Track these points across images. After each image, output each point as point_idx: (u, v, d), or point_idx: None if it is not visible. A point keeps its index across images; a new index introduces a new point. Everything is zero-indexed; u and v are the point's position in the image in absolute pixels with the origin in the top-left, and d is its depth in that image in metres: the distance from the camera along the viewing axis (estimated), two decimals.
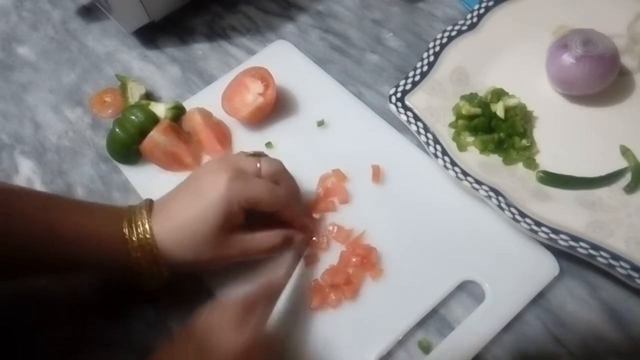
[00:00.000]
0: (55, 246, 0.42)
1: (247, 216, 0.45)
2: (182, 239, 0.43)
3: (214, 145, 0.55)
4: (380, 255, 0.48)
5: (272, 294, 0.43)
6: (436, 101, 0.54)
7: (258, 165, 0.46)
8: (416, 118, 0.53)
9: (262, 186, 0.45)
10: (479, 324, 0.44)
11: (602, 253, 0.44)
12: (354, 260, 0.47)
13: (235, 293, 0.41)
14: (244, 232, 0.45)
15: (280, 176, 0.47)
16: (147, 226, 0.43)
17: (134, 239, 0.42)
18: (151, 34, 0.67)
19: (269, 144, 0.55)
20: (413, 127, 0.52)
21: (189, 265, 0.45)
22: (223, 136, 0.56)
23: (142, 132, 0.54)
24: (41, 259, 0.42)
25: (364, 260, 0.47)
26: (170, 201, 0.45)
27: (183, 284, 0.49)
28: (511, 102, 0.53)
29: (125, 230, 0.43)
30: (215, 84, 0.61)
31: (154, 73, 0.64)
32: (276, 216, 0.47)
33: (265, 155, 0.49)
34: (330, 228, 0.49)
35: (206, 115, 0.57)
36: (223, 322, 0.38)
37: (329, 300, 0.46)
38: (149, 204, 0.45)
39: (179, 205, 0.44)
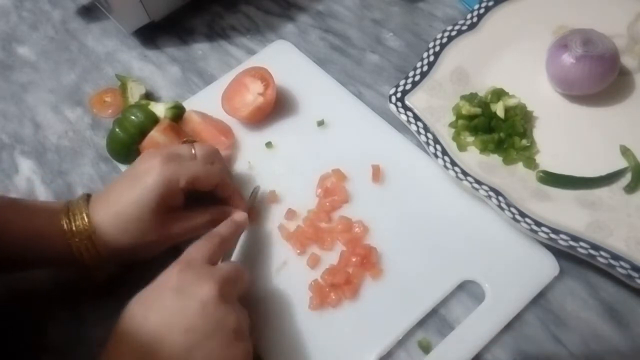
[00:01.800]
0: (1, 248, 0.43)
1: (187, 200, 0.47)
2: (121, 224, 0.44)
3: (217, 138, 0.55)
4: (380, 255, 0.48)
5: (239, 229, 0.46)
6: (436, 101, 0.54)
7: (192, 150, 0.47)
8: (416, 118, 0.53)
9: (196, 165, 0.46)
10: (479, 324, 0.44)
11: (602, 253, 0.44)
12: (354, 260, 0.47)
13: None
14: (181, 213, 0.47)
15: (215, 157, 0.49)
16: (84, 215, 0.44)
17: (73, 229, 0.43)
18: (151, 34, 0.67)
19: (269, 144, 0.55)
20: (413, 127, 0.52)
21: (131, 250, 0.45)
22: (225, 129, 0.56)
23: (142, 132, 0.54)
24: None
25: (364, 260, 0.47)
26: (107, 190, 0.47)
27: None
28: (511, 102, 0.53)
29: (64, 223, 0.44)
30: (215, 84, 0.61)
31: (154, 73, 0.64)
32: (213, 198, 0.48)
33: (196, 142, 0.51)
34: (334, 227, 0.49)
35: (203, 115, 0.57)
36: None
37: (329, 300, 0.46)
38: (86, 197, 0.46)
39: (116, 192, 0.45)
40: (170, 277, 0.39)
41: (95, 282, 0.46)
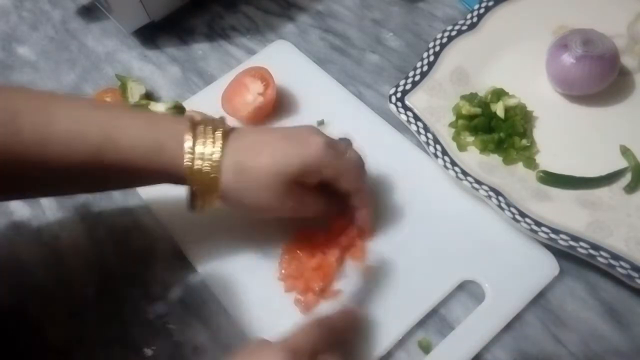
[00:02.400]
0: (107, 160, 0.39)
1: None
2: (251, 182, 0.41)
3: None
4: (380, 255, 0.48)
5: (354, 324, 0.42)
6: (436, 101, 0.54)
7: (347, 149, 0.45)
8: (416, 118, 0.53)
9: (351, 164, 0.44)
10: (479, 324, 0.44)
11: (602, 253, 0.44)
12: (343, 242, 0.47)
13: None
14: (307, 192, 0.43)
15: (361, 166, 0.46)
16: (217, 154, 0.40)
17: (197, 162, 0.40)
18: (151, 34, 0.67)
19: None
20: (413, 127, 0.52)
21: (243, 207, 0.43)
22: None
23: None
24: (86, 174, 0.40)
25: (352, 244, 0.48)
26: (253, 134, 0.43)
27: (184, 284, 0.49)
28: (511, 102, 0.53)
29: (191, 149, 0.40)
30: (215, 84, 0.61)
31: (154, 73, 0.64)
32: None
33: (352, 144, 0.48)
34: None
35: (203, 114, 0.56)
36: None
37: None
38: (225, 125, 0.42)
39: (266, 142, 0.42)
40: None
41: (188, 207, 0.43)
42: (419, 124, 0.52)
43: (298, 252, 0.48)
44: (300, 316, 0.46)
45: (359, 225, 0.47)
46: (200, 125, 0.41)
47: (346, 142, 0.49)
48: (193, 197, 0.42)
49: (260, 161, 0.41)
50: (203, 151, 0.40)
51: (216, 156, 0.40)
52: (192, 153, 0.40)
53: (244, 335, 0.45)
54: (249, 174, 0.41)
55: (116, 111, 0.42)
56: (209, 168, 0.40)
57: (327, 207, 0.46)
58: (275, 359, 0.34)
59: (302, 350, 0.36)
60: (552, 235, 0.45)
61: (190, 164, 0.40)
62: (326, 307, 0.46)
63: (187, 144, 0.40)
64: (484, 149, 0.52)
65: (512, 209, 0.46)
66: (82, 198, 0.55)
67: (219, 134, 0.41)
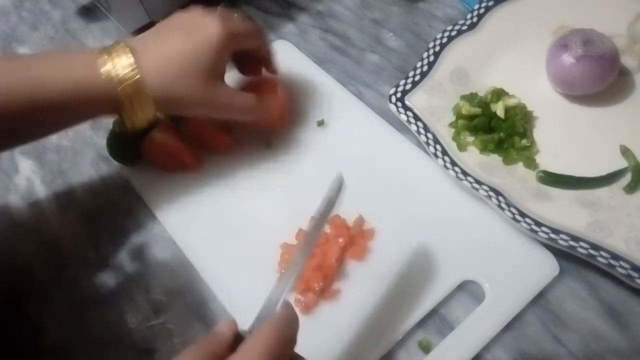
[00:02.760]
0: (40, 106, 0.41)
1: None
2: (173, 72, 0.43)
3: (217, 137, 0.55)
4: (380, 255, 0.48)
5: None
6: (436, 101, 0.54)
7: (235, 14, 0.48)
8: (416, 118, 0.53)
9: (246, 24, 0.48)
10: (479, 324, 0.44)
11: (602, 253, 0.44)
12: (340, 240, 0.47)
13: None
14: (229, 87, 0.47)
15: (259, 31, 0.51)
16: (130, 59, 0.42)
17: (118, 75, 0.42)
18: None
19: (268, 145, 0.55)
20: (413, 127, 0.52)
21: (176, 103, 0.44)
22: (224, 124, 0.56)
23: (142, 132, 0.54)
24: (25, 122, 0.42)
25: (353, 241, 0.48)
26: (153, 38, 0.46)
27: (184, 284, 0.49)
28: (511, 102, 0.53)
29: (106, 68, 0.42)
30: None
31: None
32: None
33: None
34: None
35: None
36: None
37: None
38: (126, 42, 0.44)
39: (168, 40, 0.44)
40: None
41: (129, 129, 0.45)
42: (419, 124, 0.52)
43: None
44: (301, 316, 0.45)
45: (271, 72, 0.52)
46: (104, 48, 0.44)
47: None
48: (125, 112, 0.43)
49: (174, 49, 0.43)
50: (118, 64, 0.42)
51: (131, 61, 0.42)
52: (110, 70, 0.42)
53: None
54: (170, 64, 0.43)
55: (33, 60, 0.44)
56: (130, 73, 0.42)
57: (255, 101, 0.49)
58: None
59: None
60: (552, 235, 0.45)
61: (111, 76, 0.42)
62: (326, 307, 0.46)
63: (105, 67, 0.42)
64: (484, 149, 0.52)
65: (512, 209, 0.46)
66: (82, 198, 0.55)
67: (123, 45, 0.43)
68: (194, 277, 0.49)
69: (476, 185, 0.48)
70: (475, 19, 0.58)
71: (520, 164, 0.51)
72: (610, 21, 0.55)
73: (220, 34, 0.44)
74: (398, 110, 0.53)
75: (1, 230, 0.54)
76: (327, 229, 0.49)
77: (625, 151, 0.50)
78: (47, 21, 0.72)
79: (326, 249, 0.47)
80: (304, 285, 0.46)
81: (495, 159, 0.52)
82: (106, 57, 0.43)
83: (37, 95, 0.41)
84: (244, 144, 0.56)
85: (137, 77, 0.42)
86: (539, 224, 0.45)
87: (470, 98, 0.53)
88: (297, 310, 0.45)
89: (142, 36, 0.46)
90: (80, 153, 0.59)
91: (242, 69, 0.53)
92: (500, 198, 0.47)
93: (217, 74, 0.45)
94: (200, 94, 0.44)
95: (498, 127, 0.52)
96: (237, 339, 0.34)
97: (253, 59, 0.52)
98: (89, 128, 0.61)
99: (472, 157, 0.51)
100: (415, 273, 0.47)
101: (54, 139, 0.60)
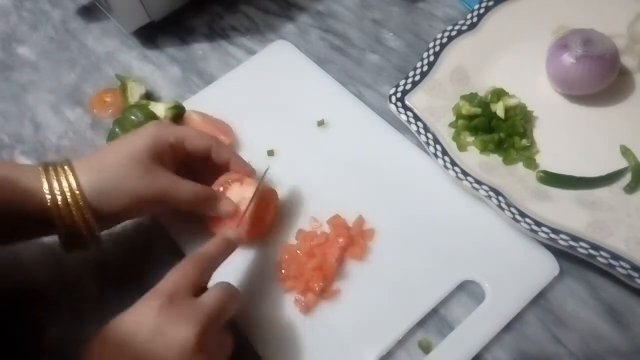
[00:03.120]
0: None
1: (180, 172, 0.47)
2: (111, 177, 0.43)
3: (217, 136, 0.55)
4: (380, 255, 0.48)
5: (230, 248, 0.43)
6: (436, 101, 0.54)
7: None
8: (416, 118, 0.53)
9: (190, 129, 0.49)
10: (479, 324, 0.44)
11: (602, 253, 0.44)
12: (340, 240, 0.47)
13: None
14: (173, 175, 0.46)
15: (211, 140, 0.49)
16: (69, 172, 0.42)
17: (56, 188, 0.41)
18: (151, 34, 0.67)
19: (270, 151, 0.55)
20: (413, 127, 0.52)
21: (120, 208, 0.43)
22: (225, 129, 0.56)
23: None
24: None
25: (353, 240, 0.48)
26: (92, 155, 0.45)
27: None
28: (511, 102, 0.53)
29: (45, 182, 0.41)
30: (215, 84, 0.61)
31: (154, 73, 0.64)
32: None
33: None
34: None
35: (203, 114, 0.57)
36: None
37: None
38: (66, 159, 0.44)
39: (104, 152, 0.45)
40: (149, 314, 0.36)
41: (68, 249, 0.44)
42: (419, 124, 0.52)
43: (298, 252, 0.48)
44: (301, 316, 0.46)
45: (238, 171, 0.49)
46: (48, 165, 0.43)
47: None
48: (65, 229, 0.42)
49: (109, 160, 0.44)
50: (59, 180, 0.42)
51: (71, 179, 0.42)
52: (50, 185, 0.42)
53: (244, 336, 0.45)
54: (106, 176, 0.43)
55: None
56: (67, 191, 0.42)
57: (202, 188, 0.47)
58: (152, 309, 0.36)
59: (180, 290, 0.37)
60: (552, 235, 0.45)
61: (50, 197, 0.41)
62: (326, 307, 0.46)
63: (43, 179, 0.42)
64: (484, 149, 0.52)
65: (512, 209, 0.46)
66: None
67: (63, 163, 0.43)
68: None
69: (476, 185, 0.48)
70: (475, 19, 0.58)
71: (520, 164, 0.51)
72: (610, 21, 0.55)
73: (148, 136, 0.45)
74: (398, 110, 0.53)
75: None
76: (327, 228, 0.49)
77: (625, 151, 0.50)
78: (47, 21, 0.72)
79: (326, 249, 0.47)
80: (303, 285, 0.46)
81: (495, 159, 0.52)
82: (45, 173, 0.42)
83: None
84: (244, 144, 0.56)
85: (73, 190, 0.42)
86: (539, 224, 0.45)
87: (470, 98, 0.53)
88: (297, 310, 0.46)
89: (86, 157, 0.45)
90: (80, 153, 0.59)
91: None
92: (500, 198, 0.47)
93: (155, 163, 0.44)
94: (138, 195, 0.43)
95: (498, 127, 0.52)
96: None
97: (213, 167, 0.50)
98: (89, 128, 0.61)
99: (472, 157, 0.51)
100: (415, 273, 0.47)
101: (53, 138, 0.60)
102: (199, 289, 0.39)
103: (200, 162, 0.49)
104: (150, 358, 0.35)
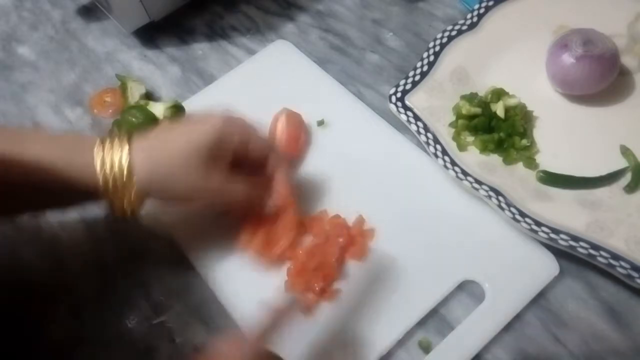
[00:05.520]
0: (12, 180, 0.40)
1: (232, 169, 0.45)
2: (165, 163, 0.42)
3: None
4: (380, 255, 0.48)
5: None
6: (436, 101, 0.54)
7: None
8: (416, 118, 0.53)
9: (254, 130, 0.46)
10: (479, 324, 0.44)
11: (602, 253, 0.44)
12: (340, 240, 0.47)
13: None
14: (227, 174, 0.44)
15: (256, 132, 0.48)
16: (125, 146, 0.42)
17: (108, 160, 0.41)
18: (151, 34, 0.67)
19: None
20: (413, 127, 0.52)
21: (164, 194, 0.44)
22: None
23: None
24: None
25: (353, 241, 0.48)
26: (155, 132, 0.44)
27: (184, 284, 0.49)
28: (511, 102, 0.53)
29: (98, 153, 0.41)
30: (215, 84, 0.61)
31: (154, 73, 0.64)
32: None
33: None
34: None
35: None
36: None
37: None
38: (128, 133, 0.44)
39: (166, 134, 0.44)
40: None
41: (115, 215, 0.44)
42: (419, 124, 0.52)
43: (299, 252, 0.48)
44: (301, 316, 0.46)
45: (278, 189, 0.47)
46: (106, 137, 0.43)
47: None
48: (112, 204, 0.43)
49: (169, 147, 0.42)
50: (112, 158, 0.41)
51: (125, 158, 0.41)
52: (102, 162, 0.41)
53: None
54: (162, 163, 0.42)
55: (21, 132, 0.44)
56: (118, 171, 0.41)
57: (253, 190, 0.46)
58: None
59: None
60: (552, 235, 0.45)
61: (101, 171, 0.41)
62: (326, 307, 0.46)
63: (97, 154, 0.41)
64: (484, 149, 0.52)
65: (512, 209, 0.46)
66: None
67: (124, 139, 0.43)
68: (194, 277, 0.49)
69: (476, 185, 0.48)
70: (475, 19, 0.58)
71: (520, 164, 0.51)
72: (610, 21, 0.55)
73: (214, 131, 0.43)
74: (398, 110, 0.53)
75: (2, 231, 0.54)
76: (327, 225, 0.49)
77: (625, 151, 0.50)
78: (47, 21, 0.72)
79: (326, 249, 0.47)
80: (304, 285, 0.46)
81: (495, 159, 0.52)
82: (101, 144, 0.42)
83: (11, 169, 0.40)
84: None
85: (126, 177, 0.41)
86: (539, 224, 0.45)
87: (470, 98, 0.53)
88: (297, 310, 0.46)
89: (150, 132, 0.45)
90: None
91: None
92: (500, 198, 0.47)
93: (212, 164, 0.43)
94: (186, 187, 0.43)
95: (498, 127, 0.52)
96: None
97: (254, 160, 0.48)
98: (88, 128, 0.61)
99: (472, 157, 0.51)
100: (415, 273, 0.47)
101: None
102: None
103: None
104: None
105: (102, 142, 0.42)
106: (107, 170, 0.41)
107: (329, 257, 0.47)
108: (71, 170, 0.41)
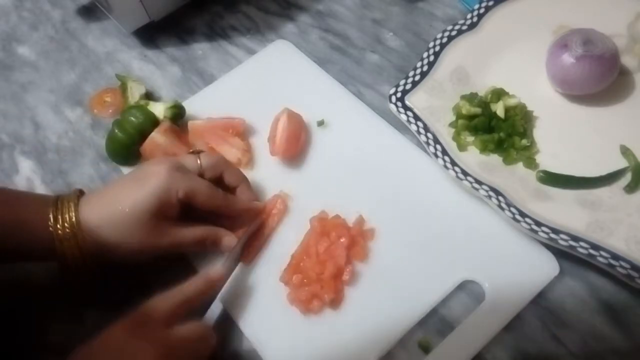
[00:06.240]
0: None
1: (183, 213, 0.46)
2: (112, 221, 0.43)
3: (228, 137, 0.55)
4: (381, 255, 0.48)
5: (209, 288, 0.44)
6: (436, 101, 0.54)
7: (198, 161, 0.47)
8: (416, 118, 0.53)
9: (201, 182, 0.46)
10: (479, 324, 0.44)
11: (602, 253, 0.44)
12: (342, 240, 0.47)
13: (166, 295, 0.41)
14: (175, 225, 0.46)
15: (223, 167, 0.49)
16: (72, 207, 0.43)
17: (59, 221, 0.43)
18: (151, 34, 0.67)
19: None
20: (413, 127, 0.52)
21: (115, 252, 0.44)
22: (235, 121, 0.56)
23: (142, 133, 0.54)
24: None
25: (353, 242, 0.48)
26: (104, 189, 0.46)
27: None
28: (511, 102, 0.53)
29: (50, 214, 0.43)
30: (215, 84, 0.61)
31: (154, 73, 0.64)
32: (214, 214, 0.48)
33: (204, 152, 0.50)
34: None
35: (208, 118, 0.56)
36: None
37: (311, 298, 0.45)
38: (79, 191, 0.46)
39: (114, 191, 0.45)
40: (117, 337, 0.39)
41: (66, 281, 0.45)
42: (419, 124, 0.52)
43: (303, 256, 0.47)
44: (301, 316, 0.46)
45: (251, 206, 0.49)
46: (58, 198, 0.45)
47: (196, 153, 0.49)
48: (63, 268, 0.44)
49: (115, 211, 0.43)
50: (64, 216, 0.43)
51: (73, 217, 0.43)
52: (55, 221, 0.43)
53: (244, 336, 0.45)
54: (111, 220, 0.43)
55: None
56: (69, 230, 0.43)
57: (209, 230, 0.47)
58: (119, 334, 0.38)
59: (150, 319, 0.39)
60: (552, 235, 0.45)
61: (52, 230, 0.43)
62: (328, 312, 0.46)
63: (50, 215, 0.43)
64: (484, 149, 0.52)
65: (512, 209, 0.46)
66: None
67: (74, 195, 0.45)
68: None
69: (476, 185, 0.48)
70: (475, 19, 0.58)
71: (520, 164, 0.51)
72: (610, 21, 0.55)
73: (159, 187, 0.44)
74: (398, 110, 0.53)
75: None
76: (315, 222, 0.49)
77: (625, 151, 0.50)
78: (47, 21, 0.72)
79: (333, 251, 0.47)
80: (307, 292, 0.45)
81: (495, 159, 0.52)
82: (53, 205, 0.44)
83: None
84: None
85: (75, 235, 0.43)
86: (539, 224, 0.45)
87: (470, 98, 0.53)
88: (297, 310, 0.46)
89: (101, 189, 0.47)
90: (80, 153, 0.59)
91: None
92: (500, 198, 0.47)
93: (159, 220, 0.44)
94: (139, 242, 0.44)
95: (498, 127, 0.52)
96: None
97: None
98: (89, 128, 0.61)
99: (472, 157, 0.51)
100: (414, 273, 0.47)
101: (53, 138, 0.60)
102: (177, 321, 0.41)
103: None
104: None
105: (56, 200, 0.44)
106: (59, 226, 0.43)
107: (339, 259, 0.46)
108: (24, 230, 0.43)
